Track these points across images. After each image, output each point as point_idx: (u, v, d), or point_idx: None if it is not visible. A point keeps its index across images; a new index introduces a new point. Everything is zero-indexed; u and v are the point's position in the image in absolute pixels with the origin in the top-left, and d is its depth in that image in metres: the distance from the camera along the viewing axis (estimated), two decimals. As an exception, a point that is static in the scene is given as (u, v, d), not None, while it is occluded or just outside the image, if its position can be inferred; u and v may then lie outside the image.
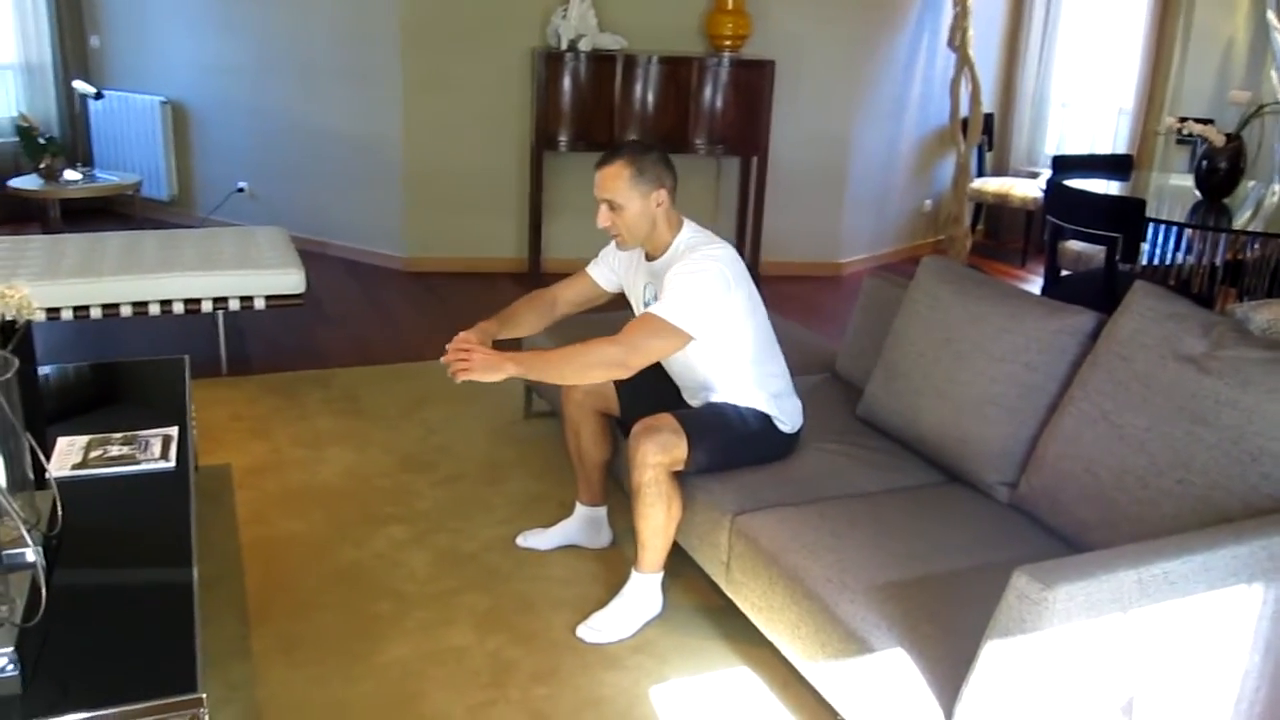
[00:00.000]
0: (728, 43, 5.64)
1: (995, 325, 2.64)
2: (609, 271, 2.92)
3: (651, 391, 2.81)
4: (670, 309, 2.52)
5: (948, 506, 2.56)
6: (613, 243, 2.78)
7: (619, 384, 2.89)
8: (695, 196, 6.11)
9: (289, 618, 2.70)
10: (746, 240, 5.96)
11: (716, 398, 2.73)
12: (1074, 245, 4.99)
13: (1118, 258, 4.13)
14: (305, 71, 6.03)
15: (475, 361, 2.49)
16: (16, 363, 2.22)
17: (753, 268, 5.89)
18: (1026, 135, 7.17)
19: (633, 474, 2.57)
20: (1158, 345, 2.29)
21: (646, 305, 2.71)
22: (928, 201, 6.84)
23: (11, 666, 1.76)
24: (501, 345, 2.69)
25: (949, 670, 1.88)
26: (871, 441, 2.89)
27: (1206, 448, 2.12)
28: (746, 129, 5.62)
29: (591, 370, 2.58)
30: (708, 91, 5.54)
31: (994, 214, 7.17)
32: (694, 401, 2.81)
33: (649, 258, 2.73)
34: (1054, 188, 4.47)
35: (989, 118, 7.00)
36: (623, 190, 2.58)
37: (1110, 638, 1.73)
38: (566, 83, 5.49)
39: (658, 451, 2.53)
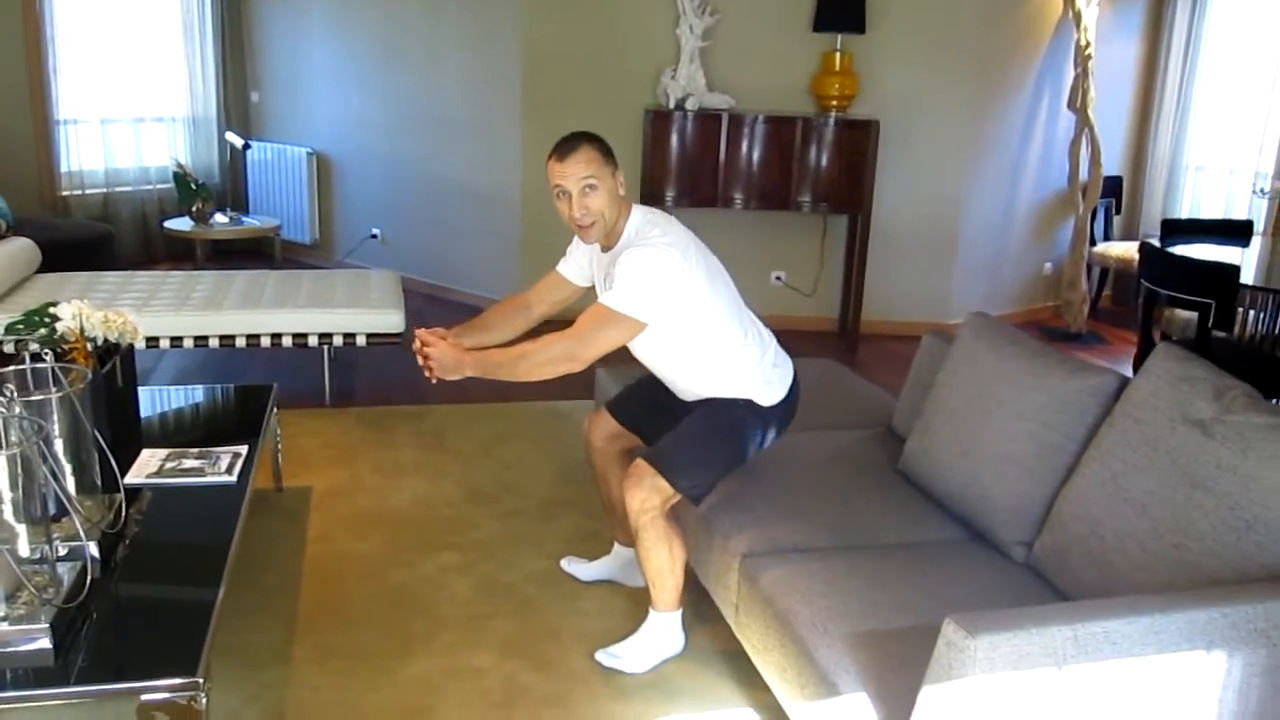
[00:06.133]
0: (834, 103, 5.72)
1: (1020, 383, 2.63)
2: (577, 266, 2.89)
3: (659, 409, 2.83)
4: (619, 298, 2.51)
5: (959, 562, 2.54)
6: (576, 239, 2.77)
7: (627, 414, 2.95)
8: (801, 251, 6.18)
9: (332, 629, 2.90)
10: (850, 296, 5.97)
11: (700, 390, 2.72)
12: (1181, 313, 4.83)
13: (1210, 325, 3.99)
14: (435, 127, 6.42)
15: (434, 360, 2.56)
16: (89, 378, 2.50)
17: (855, 324, 5.93)
18: (1159, 199, 6.93)
19: (630, 521, 2.65)
20: (1169, 408, 2.24)
21: None
22: (1048, 265, 6.70)
23: (46, 640, 2.01)
24: None
25: (903, 717, 1.90)
26: (903, 495, 2.90)
27: (1205, 514, 2.07)
28: (849, 187, 5.66)
29: (544, 367, 2.57)
30: (811, 150, 5.63)
31: (1122, 279, 6.95)
32: (686, 399, 2.79)
33: (604, 249, 2.70)
34: (1147, 251, 4.36)
35: (1117, 181, 6.82)
36: (599, 168, 2.55)
37: (1045, 694, 1.72)
38: (673, 140, 5.67)
39: (646, 497, 2.60)
